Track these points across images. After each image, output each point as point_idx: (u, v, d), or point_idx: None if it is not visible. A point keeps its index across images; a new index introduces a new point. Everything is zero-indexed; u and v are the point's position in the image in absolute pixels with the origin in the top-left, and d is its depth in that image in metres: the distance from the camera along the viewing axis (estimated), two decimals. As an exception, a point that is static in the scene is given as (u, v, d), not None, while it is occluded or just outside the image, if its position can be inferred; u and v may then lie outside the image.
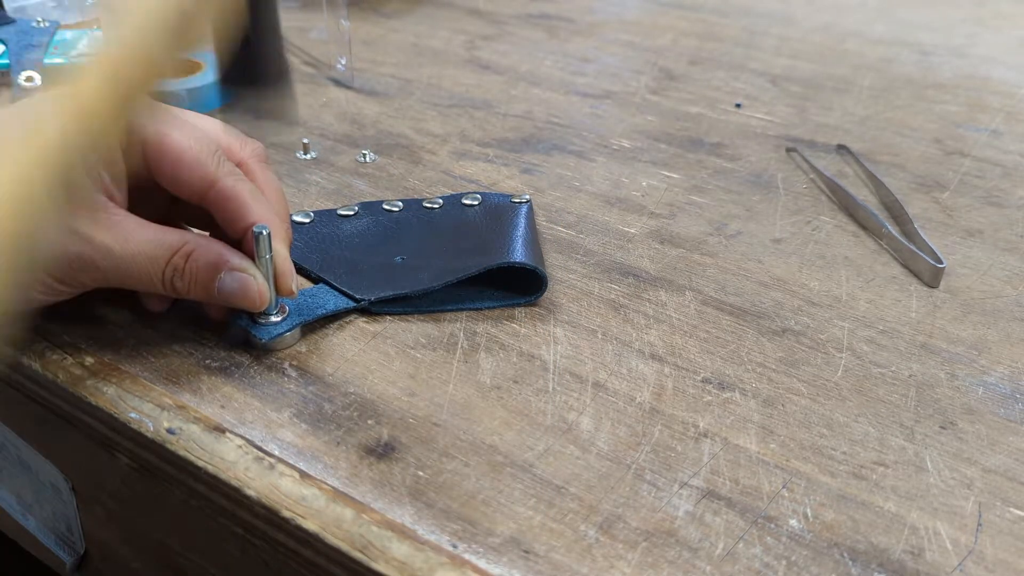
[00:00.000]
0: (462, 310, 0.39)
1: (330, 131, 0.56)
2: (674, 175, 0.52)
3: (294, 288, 0.36)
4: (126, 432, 0.33)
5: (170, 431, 0.32)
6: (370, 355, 0.36)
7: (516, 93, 0.63)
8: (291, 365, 0.36)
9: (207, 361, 0.36)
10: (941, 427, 0.34)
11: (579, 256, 0.44)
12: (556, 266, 0.43)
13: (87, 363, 0.35)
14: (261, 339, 0.35)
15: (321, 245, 0.43)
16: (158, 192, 0.36)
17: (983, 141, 0.58)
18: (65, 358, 0.35)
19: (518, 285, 0.40)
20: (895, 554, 0.29)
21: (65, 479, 0.42)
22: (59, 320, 0.37)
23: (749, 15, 0.82)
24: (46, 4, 0.70)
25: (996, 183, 0.53)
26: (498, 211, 0.45)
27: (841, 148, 0.56)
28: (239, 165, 0.38)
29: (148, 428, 0.32)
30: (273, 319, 0.36)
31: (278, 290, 0.36)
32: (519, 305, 0.40)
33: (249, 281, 0.35)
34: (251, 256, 0.35)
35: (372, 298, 0.38)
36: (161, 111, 0.36)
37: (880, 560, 0.28)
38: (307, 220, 0.45)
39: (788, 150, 0.55)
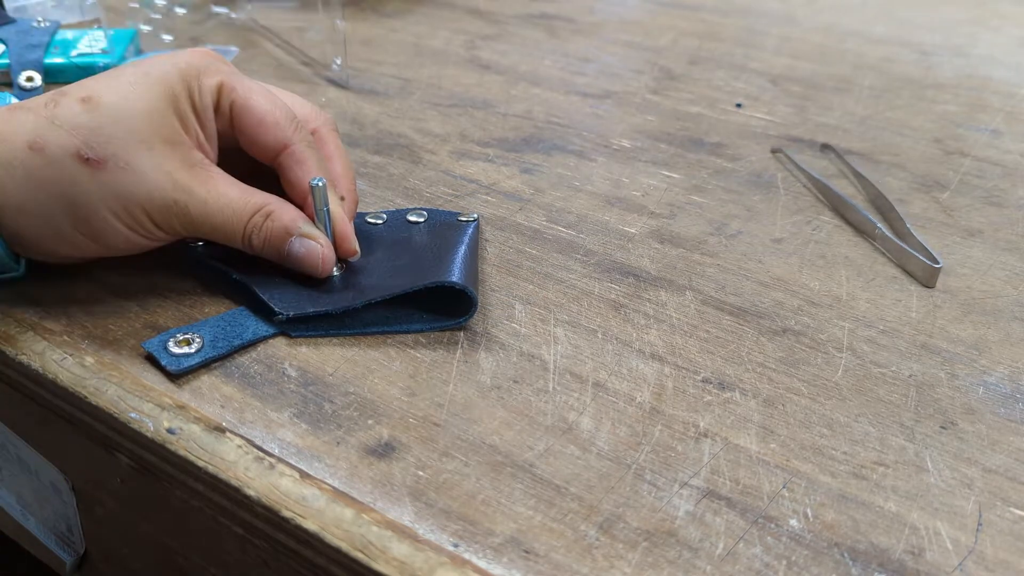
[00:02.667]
0: (388, 333, 0.37)
1: (330, 131, 0.56)
2: (674, 175, 0.52)
3: (356, 248, 0.39)
4: (126, 432, 0.33)
5: (170, 431, 0.32)
6: (370, 355, 0.36)
7: (516, 93, 0.63)
8: (291, 365, 0.36)
9: (207, 361, 0.36)
10: (941, 427, 0.34)
11: (579, 256, 0.44)
12: (556, 266, 0.43)
13: (87, 363, 0.35)
14: (169, 368, 0.35)
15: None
16: (238, 155, 0.40)
17: (983, 141, 0.58)
18: (65, 358, 0.35)
19: (452, 307, 0.38)
20: (895, 554, 0.29)
21: (65, 479, 0.42)
22: (59, 320, 0.37)
23: (749, 15, 0.82)
24: (46, 4, 0.70)
25: (996, 183, 0.53)
26: (442, 229, 0.43)
27: (826, 147, 0.55)
28: (312, 133, 0.41)
29: (148, 428, 0.32)
30: (188, 349, 0.35)
31: (339, 252, 0.39)
32: (448, 328, 0.38)
33: (315, 248, 0.38)
34: (311, 215, 0.38)
35: (291, 313, 0.36)
36: (246, 79, 0.39)
37: (880, 560, 0.28)
38: None
39: (774, 151, 0.55)
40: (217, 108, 0.38)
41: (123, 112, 0.35)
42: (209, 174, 0.37)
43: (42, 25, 0.63)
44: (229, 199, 0.37)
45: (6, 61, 0.59)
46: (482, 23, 0.78)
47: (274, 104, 0.39)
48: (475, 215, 0.45)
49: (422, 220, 0.44)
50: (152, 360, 0.35)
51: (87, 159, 0.34)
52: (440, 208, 0.47)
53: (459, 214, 0.45)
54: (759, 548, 0.28)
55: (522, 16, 0.80)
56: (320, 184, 0.37)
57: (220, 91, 0.38)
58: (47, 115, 0.34)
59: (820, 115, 0.61)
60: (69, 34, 0.63)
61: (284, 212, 0.38)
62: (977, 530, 0.30)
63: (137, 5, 0.75)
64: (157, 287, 0.40)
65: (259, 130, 0.38)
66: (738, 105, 0.62)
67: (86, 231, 0.35)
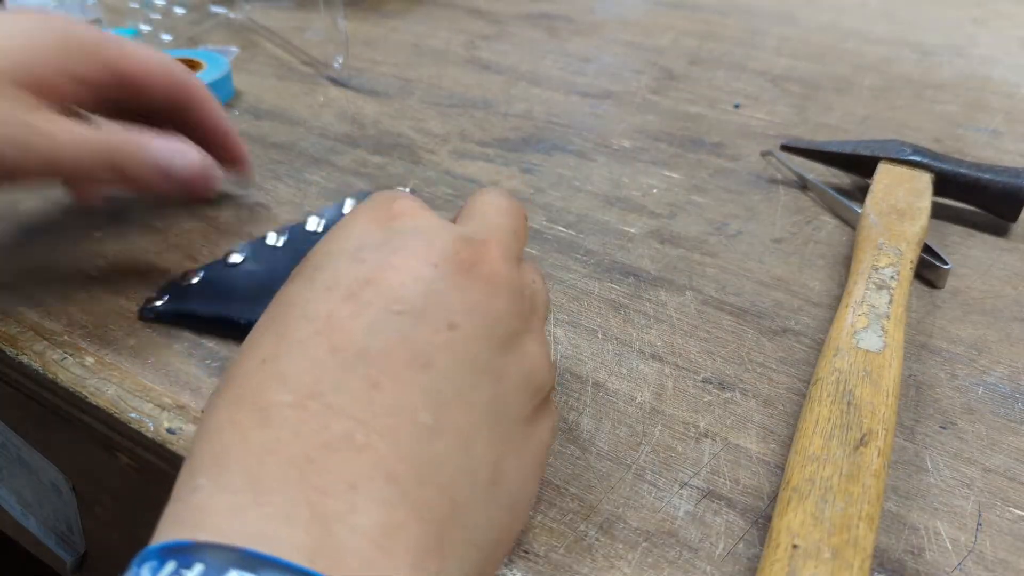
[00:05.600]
0: None
1: (330, 131, 0.56)
2: (674, 175, 0.52)
3: (244, 152, 0.42)
4: (126, 432, 0.33)
5: (170, 431, 0.32)
6: (370, 355, 0.36)
7: (516, 93, 0.63)
8: (291, 365, 0.36)
9: (207, 361, 0.36)
10: (941, 427, 0.34)
11: (579, 256, 0.44)
12: (556, 266, 0.43)
13: (87, 363, 0.35)
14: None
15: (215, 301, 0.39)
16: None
17: (983, 141, 0.58)
18: (65, 358, 0.35)
19: None
20: (895, 554, 0.29)
21: (65, 479, 0.42)
22: (59, 320, 0.37)
23: (749, 15, 0.82)
24: (47, 4, 0.70)
25: (996, 183, 0.53)
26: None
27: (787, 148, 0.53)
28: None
29: (148, 428, 0.32)
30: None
31: (229, 156, 0.41)
32: None
33: (188, 149, 0.38)
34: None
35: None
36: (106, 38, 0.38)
37: (880, 560, 0.28)
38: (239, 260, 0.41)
39: (763, 154, 0.54)
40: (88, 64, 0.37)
41: None
42: (54, 115, 0.35)
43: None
44: (84, 132, 0.35)
45: (6, 61, 0.58)
46: (482, 23, 0.78)
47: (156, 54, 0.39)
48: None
49: (320, 229, 0.43)
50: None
51: None
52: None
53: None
54: (760, 548, 0.28)
55: (522, 16, 0.80)
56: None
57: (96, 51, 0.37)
58: None
59: (820, 115, 0.61)
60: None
61: (144, 134, 0.37)
62: (976, 530, 0.30)
63: (137, 5, 0.75)
64: (157, 287, 0.40)
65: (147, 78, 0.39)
66: (736, 106, 0.62)
67: None
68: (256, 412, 0.21)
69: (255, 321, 0.25)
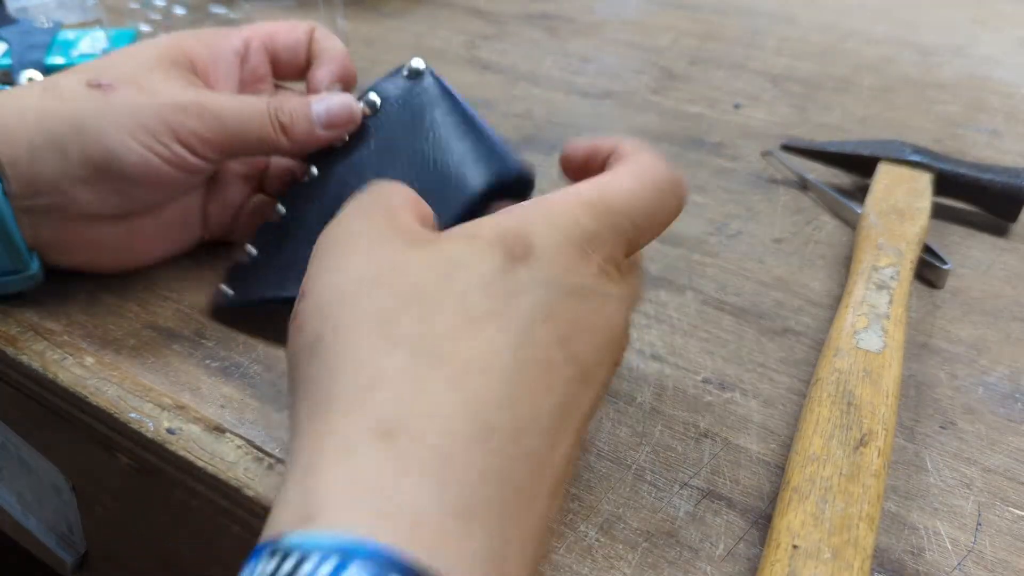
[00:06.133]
0: None
1: (330, 131, 0.56)
2: (674, 175, 0.52)
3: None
4: (126, 432, 0.33)
5: (170, 431, 0.32)
6: (370, 355, 0.36)
7: (516, 93, 0.63)
8: (291, 365, 0.36)
9: (207, 361, 0.36)
10: (941, 427, 0.34)
11: (579, 256, 0.44)
12: (556, 266, 0.43)
13: (87, 363, 0.35)
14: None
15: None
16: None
17: (983, 141, 0.57)
18: (65, 358, 0.35)
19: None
20: (895, 553, 0.29)
21: (65, 479, 0.42)
22: (59, 320, 0.37)
23: (749, 15, 0.82)
24: (48, 4, 0.70)
25: (996, 183, 0.53)
26: (408, 111, 0.37)
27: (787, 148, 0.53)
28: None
29: (148, 428, 0.32)
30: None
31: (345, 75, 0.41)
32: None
33: (339, 96, 0.38)
34: None
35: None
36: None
37: (880, 559, 0.28)
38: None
39: (763, 154, 0.54)
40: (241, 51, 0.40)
41: (129, 51, 0.37)
42: (216, 90, 0.38)
43: (44, 25, 0.63)
44: (243, 98, 0.36)
45: (8, 61, 0.59)
46: (482, 23, 0.78)
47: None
48: (420, 64, 0.39)
49: (377, 110, 0.38)
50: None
51: (98, 85, 0.34)
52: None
53: (403, 70, 0.39)
54: (760, 548, 0.28)
55: (522, 16, 0.80)
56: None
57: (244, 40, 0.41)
58: (60, 76, 0.36)
59: (820, 115, 0.61)
60: (70, 34, 0.63)
61: (293, 95, 0.39)
62: (976, 530, 0.30)
63: (137, 5, 0.75)
64: (157, 287, 0.40)
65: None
66: (736, 106, 0.62)
67: (99, 158, 0.34)
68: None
69: None
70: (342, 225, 0.26)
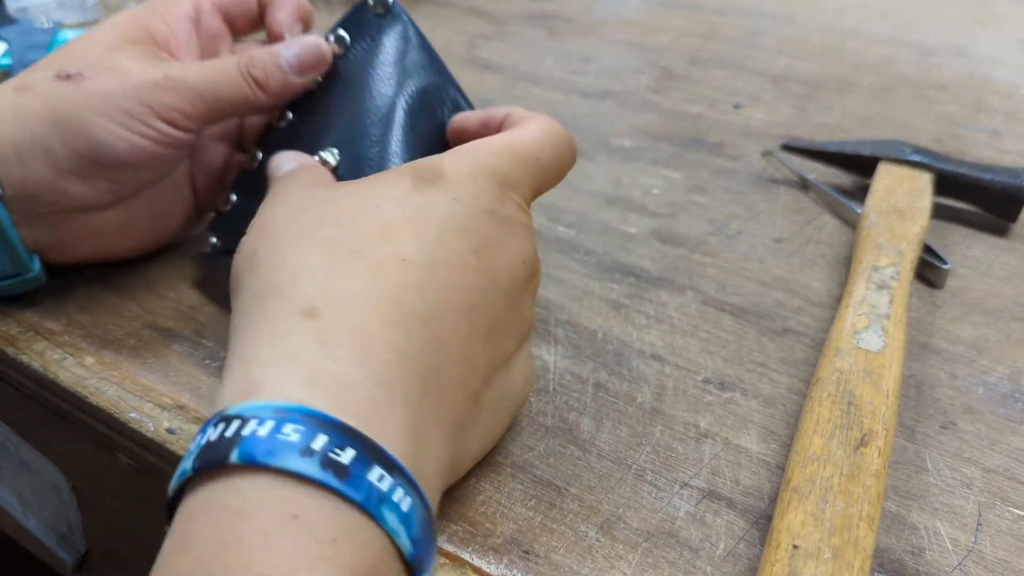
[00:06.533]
0: None
1: (330, 131, 0.56)
2: (675, 175, 0.52)
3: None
4: (126, 432, 0.33)
5: (170, 431, 0.32)
6: (370, 355, 0.36)
7: (516, 93, 0.63)
8: (291, 365, 0.36)
9: (207, 361, 0.36)
10: (941, 427, 0.34)
11: (579, 256, 0.44)
12: (556, 266, 0.43)
13: (87, 363, 0.35)
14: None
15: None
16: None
17: (983, 141, 0.58)
18: (65, 358, 0.35)
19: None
20: (895, 553, 0.29)
21: (66, 479, 0.42)
22: (59, 320, 0.37)
23: (750, 15, 0.82)
24: (48, 4, 0.70)
25: (996, 183, 0.53)
26: (377, 46, 0.38)
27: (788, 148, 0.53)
28: None
29: (148, 428, 0.32)
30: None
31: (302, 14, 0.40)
32: None
33: (305, 40, 0.37)
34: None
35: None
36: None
37: (880, 559, 0.28)
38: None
39: (764, 154, 0.54)
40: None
41: (89, 36, 0.36)
42: (181, 60, 0.38)
43: (44, 25, 0.63)
44: (212, 63, 0.36)
45: (8, 61, 0.59)
46: (482, 23, 0.78)
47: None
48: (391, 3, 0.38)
49: (347, 46, 0.38)
50: None
51: (68, 75, 0.34)
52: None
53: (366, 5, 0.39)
54: (760, 549, 0.28)
55: (522, 16, 0.80)
56: None
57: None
58: (28, 72, 0.36)
59: (820, 115, 0.61)
60: (70, 34, 0.63)
61: (259, 47, 0.38)
62: (977, 530, 0.30)
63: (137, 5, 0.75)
64: (156, 287, 0.40)
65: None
66: (736, 105, 0.62)
67: (86, 150, 0.34)
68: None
69: None
70: (274, 189, 0.31)
